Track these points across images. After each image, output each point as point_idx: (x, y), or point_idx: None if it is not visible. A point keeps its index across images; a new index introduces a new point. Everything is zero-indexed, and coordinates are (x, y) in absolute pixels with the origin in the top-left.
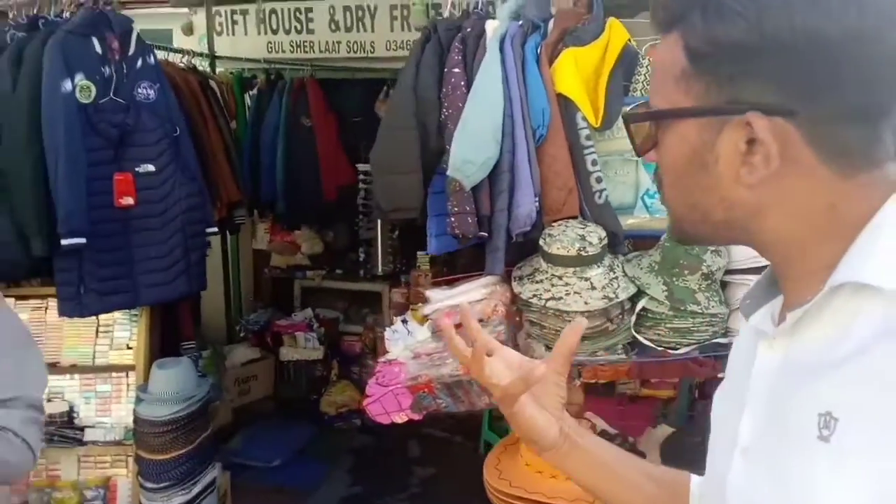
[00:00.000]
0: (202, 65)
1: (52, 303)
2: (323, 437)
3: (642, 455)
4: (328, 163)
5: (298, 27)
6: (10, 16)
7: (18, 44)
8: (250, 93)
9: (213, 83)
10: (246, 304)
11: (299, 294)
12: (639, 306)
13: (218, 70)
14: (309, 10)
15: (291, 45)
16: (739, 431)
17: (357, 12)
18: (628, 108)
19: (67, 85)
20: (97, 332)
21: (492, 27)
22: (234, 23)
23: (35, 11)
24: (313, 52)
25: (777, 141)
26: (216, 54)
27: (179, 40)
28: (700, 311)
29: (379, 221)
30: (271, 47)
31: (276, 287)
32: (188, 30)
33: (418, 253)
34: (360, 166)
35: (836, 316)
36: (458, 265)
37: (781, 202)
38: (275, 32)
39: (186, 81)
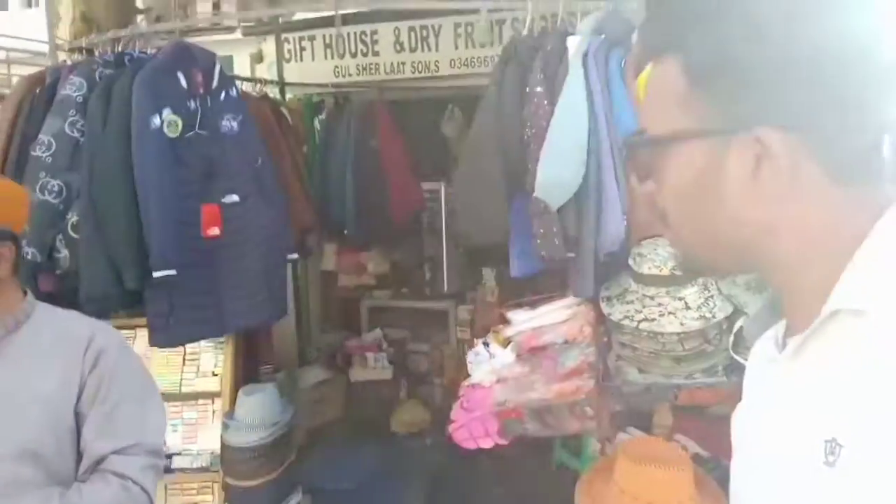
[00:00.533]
0: (272, 92)
1: (140, 333)
2: (394, 457)
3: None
4: (398, 185)
5: (364, 50)
6: (97, 53)
7: (107, 81)
8: (319, 117)
9: (284, 110)
10: (316, 326)
11: (366, 314)
12: (737, 326)
13: (287, 96)
14: (374, 32)
15: (358, 69)
16: (753, 454)
17: (421, 32)
18: (628, 138)
19: (156, 120)
20: (184, 360)
21: (574, 43)
22: (303, 49)
23: (120, 48)
24: (379, 73)
25: (787, 156)
26: (285, 81)
27: (241, 67)
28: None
29: (444, 238)
30: (338, 71)
31: (344, 307)
32: (258, 58)
33: (483, 270)
34: (426, 184)
35: (835, 341)
36: (527, 285)
37: (790, 220)
38: (341, 57)
39: (259, 109)
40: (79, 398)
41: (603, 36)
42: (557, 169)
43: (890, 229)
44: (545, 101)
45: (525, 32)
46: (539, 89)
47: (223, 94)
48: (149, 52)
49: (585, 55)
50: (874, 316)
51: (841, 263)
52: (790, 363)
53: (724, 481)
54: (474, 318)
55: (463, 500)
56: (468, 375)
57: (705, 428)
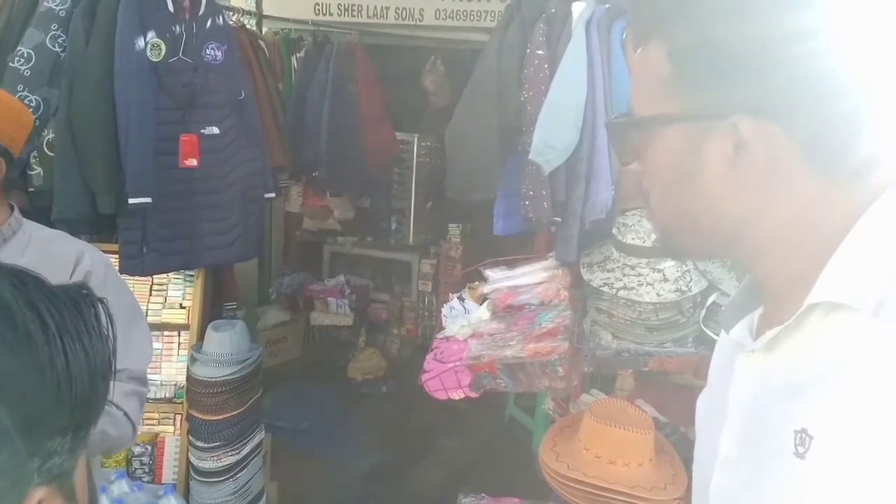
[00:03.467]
0: (249, 23)
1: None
2: (350, 402)
3: (692, 445)
4: (373, 132)
5: None
6: None
7: None
8: (297, 55)
9: (262, 43)
10: (276, 267)
11: (329, 259)
12: (710, 300)
13: (264, 30)
14: None
15: (339, 9)
16: (720, 443)
17: None
18: (612, 118)
19: (140, 42)
20: (151, 290)
21: (578, 9)
22: None
23: None
24: (361, 16)
25: (764, 144)
26: (263, 13)
27: None
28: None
29: (413, 191)
30: (318, 9)
31: (306, 251)
32: None
33: (450, 225)
34: (399, 135)
35: (812, 334)
36: (490, 244)
37: (769, 209)
38: None
39: (237, 40)
40: None
41: (607, 5)
42: (553, 134)
43: (873, 224)
44: (545, 65)
45: None
46: (540, 52)
47: (209, 21)
48: None
49: (589, 22)
50: (854, 310)
51: (822, 256)
52: (764, 352)
53: (680, 446)
54: (437, 273)
55: (415, 449)
56: (427, 327)
57: (665, 395)
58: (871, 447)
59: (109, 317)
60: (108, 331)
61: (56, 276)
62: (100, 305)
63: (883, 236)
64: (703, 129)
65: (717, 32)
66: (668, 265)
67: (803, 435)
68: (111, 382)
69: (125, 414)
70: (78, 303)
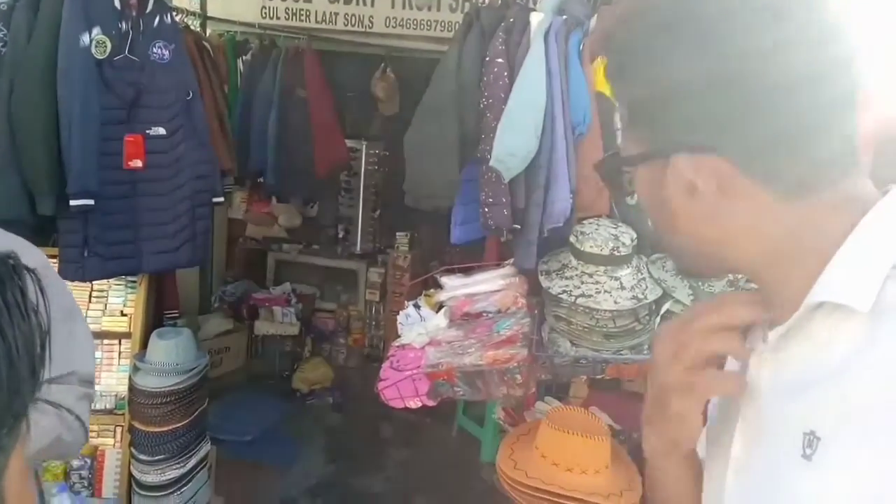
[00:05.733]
0: (193, 24)
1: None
2: (295, 413)
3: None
4: (322, 138)
5: None
6: None
7: None
8: (243, 58)
9: (206, 45)
10: (218, 275)
11: (273, 267)
12: (664, 308)
13: (208, 31)
14: None
15: (287, 13)
16: (732, 447)
17: None
18: (604, 157)
19: (85, 39)
20: (90, 297)
21: (536, 19)
22: None
23: None
24: (309, 21)
25: (709, 177)
26: (208, 15)
27: None
28: None
29: (361, 199)
30: (266, 12)
31: (249, 258)
32: None
33: (397, 234)
34: (348, 142)
35: (815, 335)
36: (436, 253)
37: (741, 232)
38: None
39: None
40: None
41: (564, 17)
42: (514, 141)
43: (873, 224)
44: (504, 73)
45: (487, 1)
46: (499, 60)
47: (157, 19)
48: None
49: (547, 33)
50: (855, 310)
51: (817, 264)
52: (772, 355)
53: (633, 452)
54: (384, 282)
55: (362, 460)
56: (374, 337)
57: (618, 402)
58: (878, 449)
59: (41, 290)
60: (38, 308)
61: None
62: (27, 277)
63: (882, 236)
64: (661, 167)
65: (640, 84)
66: (625, 273)
67: (811, 437)
68: (42, 370)
69: (78, 418)
70: None
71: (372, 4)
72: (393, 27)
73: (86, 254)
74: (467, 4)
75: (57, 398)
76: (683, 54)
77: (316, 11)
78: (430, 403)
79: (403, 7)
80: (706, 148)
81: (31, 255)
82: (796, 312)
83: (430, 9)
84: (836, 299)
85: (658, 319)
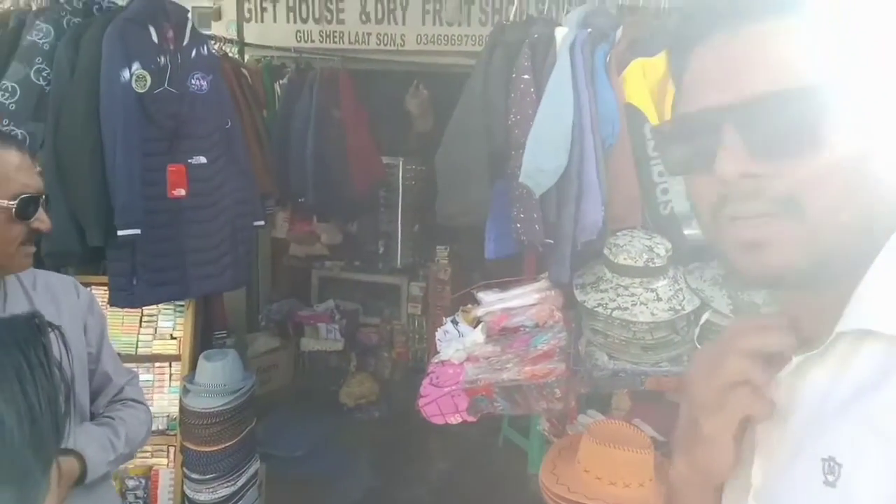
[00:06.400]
0: (231, 52)
1: (97, 292)
2: (343, 428)
3: None
4: (359, 157)
5: (328, 17)
6: (64, 0)
7: (75, 30)
8: (280, 82)
9: (245, 71)
10: (264, 294)
11: (317, 284)
12: (703, 319)
13: (246, 58)
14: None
15: (321, 35)
16: (753, 475)
17: (389, 4)
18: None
19: (125, 74)
20: (141, 322)
21: (561, 34)
22: (264, 10)
23: None
24: (343, 42)
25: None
26: (245, 41)
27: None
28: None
29: (400, 214)
30: (300, 36)
31: (294, 276)
32: (217, 15)
33: (437, 247)
34: (384, 159)
35: (839, 360)
36: (477, 265)
37: (846, 219)
38: (304, 21)
39: (221, 69)
40: (85, 338)
41: (589, 30)
42: (542, 157)
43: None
44: (531, 89)
45: (511, 18)
46: (526, 76)
47: (194, 51)
48: (118, 2)
49: (573, 47)
50: (883, 335)
51: (851, 282)
52: (792, 379)
53: None
54: (426, 295)
55: (409, 473)
56: (417, 350)
57: (662, 413)
58: None
59: (65, 345)
60: (62, 363)
61: (67, 300)
62: (51, 334)
63: None
64: None
65: None
66: (661, 284)
67: (832, 463)
68: (67, 423)
69: (148, 409)
70: (23, 338)
71: (403, 23)
72: (424, 44)
73: (134, 281)
74: (497, 17)
75: (135, 396)
76: None
77: (349, 32)
78: (471, 419)
79: (434, 23)
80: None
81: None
82: (827, 341)
83: (459, 24)
84: (867, 326)
85: (697, 330)
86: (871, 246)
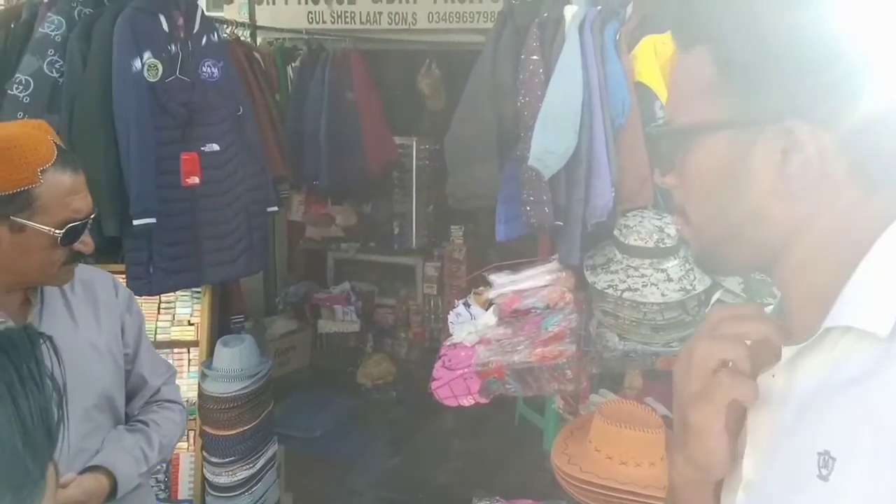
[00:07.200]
0: (244, 35)
1: None
2: (361, 408)
3: None
4: (372, 138)
5: None
6: None
7: (87, 21)
8: (293, 65)
9: (257, 55)
10: (281, 277)
11: (333, 266)
12: (714, 298)
13: (258, 41)
14: None
15: (332, 16)
16: (743, 467)
17: None
18: (650, 127)
19: (137, 64)
20: (159, 308)
21: (570, 13)
22: None
23: None
24: (354, 23)
25: (818, 149)
26: (257, 24)
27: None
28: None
29: (414, 194)
30: (312, 17)
31: (310, 259)
32: None
33: (452, 227)
34: (397, 139)
35: (830, 353)
36: (492, 245)
37: (812, 220)
38: (315, 2)
39: (232, 53)
40: (122, 339)
41: (599, 7)
42: (551, 139)
43: (891, 244)
44: (540, 70)
45: None
46: (535, 57)
47: (205, 39)
48: None
49: (582, 25)
50: (866, 333)
51: (847, 274)
52: (785, 372)
53: None
54: (441, 275)
55: (427, 452)
56: (434, 330)
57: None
58: (895, 470)
59: (56, 354)
60: (53, 373)
61: (106, 299)
62: (42, 345)
63: None
64: (750, 135)
65: (766, 36)
66: (672, 264)
67: (826, 457)
68: (60, 432)
69: (183, 408)
70: (14, 352)
71: (414, 1)
72: (436, 22)
73: (151, 269)
74: None
75: (172, 396)
76: (835, 15)
77: (360, 13)
78: (483, 401)
79: (445, 1)
80: (823, 119)
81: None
82: (813, 336)
83: (471, 0)
84: (855, 324)
85: (708, 310)
86: (753, 247)
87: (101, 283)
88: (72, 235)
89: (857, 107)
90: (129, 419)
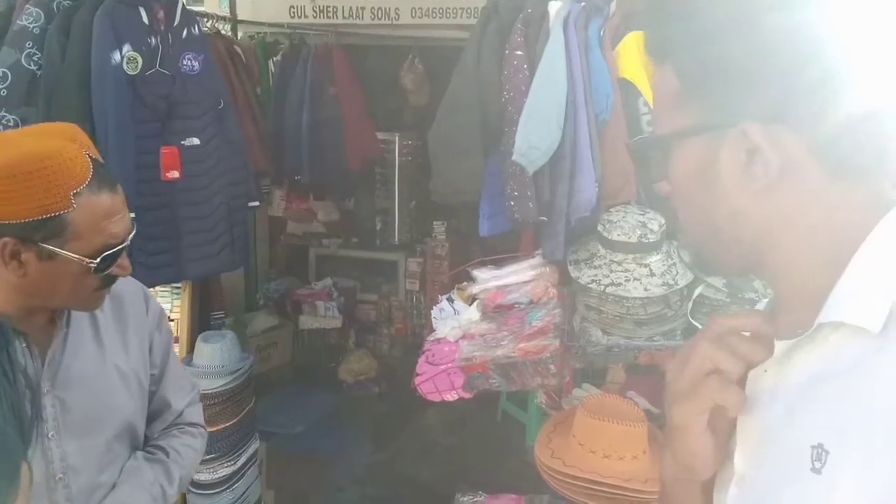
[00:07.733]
0: (224, 29)
1: None
2: (343, 404)
3: None
4: (354, 133)
5: None
6: None
7: (65, 13)
8: (274, 59)
9: (238, 49)
10: (262, 272)
11: (315, 262)
12: (696, 293)
13: (239, 35)
14: None
15: (314, 11)
16: (735, 461)
17: None
18: (632, 140)
19: (116, 56)
20: None
21: (554, 9)
22: None
23: None
24: (336, 17)
25: (775, 147)
26: (238, 18)
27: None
28: (758, 298)
29: (397, 190)
30: (293, 12)
31: (291, 255)
32: None
33: (434, 223)
34: (380, 134)
35: (822, 348)
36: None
37: (792, 217)
38: None
39: (213, 47)
40: (150, 357)
41: (583, 3)
42: (535, 134)
43: (882, 240)
44: (524, 66)
45: None
46: (519, 52)
47: (185, 32)
48: None
49: (566, 21)
50: (859, 329)
51: (836, 269)
52: (778, 366)
53: None
54: (423, 271)
55: (410, 448)
56: (416, 326)
57: (657, 385)
58: (887, 462)
59: (30, 351)
60: (27, 369)
61: (135, 317)
62: (16, 341)
63: (891, 253)
64: (717, 139)
65: (719, 48)
66: (654, 260)
67: (819, 450)
68: (35, 428)
69: (205, 429)
70: None
71: None
72: (419, 17)
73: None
74: None
75: (194, 419)
76: (775, 14)
77: (343, 7)
78: (467, 396)
79: None
80: (782, 119)
81: (147, 289)
82: (807, 332)
83: None
84: (847, 320)
85: (690, 305)
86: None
87: (131, 297)
88: (107, 262)
89: (831, 110)
90: (147, 440)
